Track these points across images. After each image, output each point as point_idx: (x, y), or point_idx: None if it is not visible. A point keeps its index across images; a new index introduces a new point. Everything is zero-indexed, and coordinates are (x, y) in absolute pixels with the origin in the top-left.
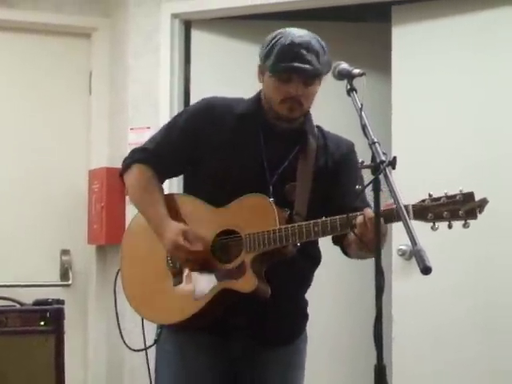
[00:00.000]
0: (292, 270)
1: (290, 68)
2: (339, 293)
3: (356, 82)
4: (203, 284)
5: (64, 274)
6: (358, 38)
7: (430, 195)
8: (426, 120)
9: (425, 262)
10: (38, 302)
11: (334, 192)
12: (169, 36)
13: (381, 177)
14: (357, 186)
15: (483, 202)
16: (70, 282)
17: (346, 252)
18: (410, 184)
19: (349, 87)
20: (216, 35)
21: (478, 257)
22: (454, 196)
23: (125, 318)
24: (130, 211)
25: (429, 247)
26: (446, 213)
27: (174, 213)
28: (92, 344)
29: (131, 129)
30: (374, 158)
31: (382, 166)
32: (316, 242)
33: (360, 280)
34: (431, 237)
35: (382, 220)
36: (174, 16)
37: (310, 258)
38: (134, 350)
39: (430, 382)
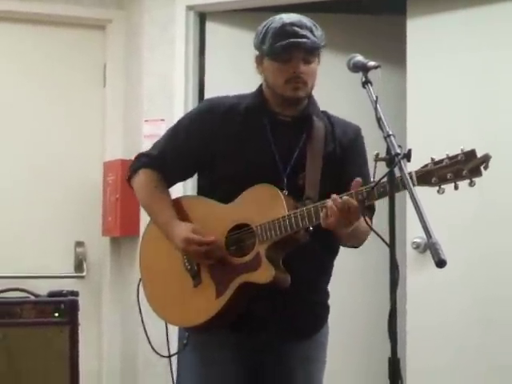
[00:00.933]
0: (311, 260)
1: (287, 45)
2: (353, 286)
3: (371, 75)
4: (222, 281)
5: (78, 266)
6: (373, 30)
7: (432, 159)
8: (441, 113)
9: (440, 255)
10: (52, 294)
11: (343, 177)
12: (184, 28)
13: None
14: (372, 179)
15: (486, 158)
16: (84, 273)
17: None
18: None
19: (364, 79)
20: (231, 27)
21: (493, 249)
22: (456, 156)
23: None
24: None
25: (442, 240)
26: (449, 174)
27: (184, 216)
28: (106, 335)
29: (146, 121)
30: (388, 151)
31: (397, 159)
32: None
33: (374, 273)
34: (443, 229)
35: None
36: (189, 8)
37: (328, 247)
38: (162, 356)
39: (443, 375)
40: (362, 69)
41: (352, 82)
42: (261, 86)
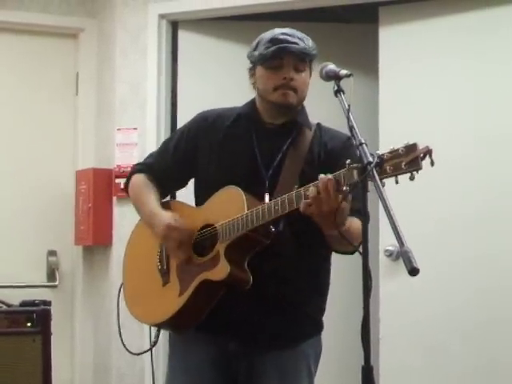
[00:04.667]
0: (290, 264)
1: (277, 49)
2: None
3: (343, 83)
4: (186, 280)
5: (51, 275)
6: (345, 39)
7: (376, 154)
8: (413, 120)
9: (412, 263)
10: (24, 303)
11: None
12: (156, 36)
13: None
14: (344, 188)
15: (426, 151)
16: (56, 282)
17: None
18: (398, 184)
19: (336, 88)
20: (203, 36)
21: (466, 257)
22: (397, 150)
23: (113, 319)
24: (117, 212)
25: (414, 247)
26: (389, 167)
27: None
28: (79, 345)
29: (118, 129)
30: (361, 159)
31: (369, 167)
32: (320, 238)
33: (347, 281)
34: (417, 237)
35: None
36: (161, 16)
37: (309, 249)
38: (132, 353)
39: (416, 382)
40: (335, 77)
41: (324, 90)
42: (254, 98)
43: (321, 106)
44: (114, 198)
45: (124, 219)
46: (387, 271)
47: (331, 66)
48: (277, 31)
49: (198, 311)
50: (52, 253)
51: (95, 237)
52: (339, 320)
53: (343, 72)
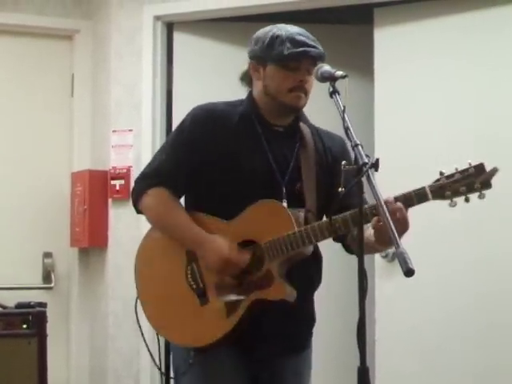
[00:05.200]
0: (303, 272)
1: (302, 52)
2: (322, 295)
3: (338, 85)
4: (232, 299)
5: (46, 277)
6: (341, 40)
7: (441, 173)
8: (408, 122)
9: (408, 264)
10: (20, 305)
11: (336, 187)
12: (151, 38)
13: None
14: (339, 189)
15: (494, 171)
16: (52, 284)
17: (348, 248)
18: (393, 186)
19: (331, 89)
20: (198, 37)
21: (461, 259)
22: (467, 170)
23: (109, 321)
24: (113, 214)
25: (410, 249)
26: (462, 188)
27: None
28: (74, 347)
29: (114, 131)
30: (356, 161)
31: (364, 168)
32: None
33: (343, 282)
34: (413, 238)
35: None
36: (157, 18)
37: (315, 255)
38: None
39: (412, 383)
40: (330, 78)
41: (319, 91)
42: (250, 93)
43: (314, 107)
44: (110, 200)
45: (119, 221)
46: (383, 272)
47: (326, 67)
48: (292, 30)
49: (240, 330)
50: (48, 255)
51: (91, 239)
52: (335, 321)
53: (338, 73)
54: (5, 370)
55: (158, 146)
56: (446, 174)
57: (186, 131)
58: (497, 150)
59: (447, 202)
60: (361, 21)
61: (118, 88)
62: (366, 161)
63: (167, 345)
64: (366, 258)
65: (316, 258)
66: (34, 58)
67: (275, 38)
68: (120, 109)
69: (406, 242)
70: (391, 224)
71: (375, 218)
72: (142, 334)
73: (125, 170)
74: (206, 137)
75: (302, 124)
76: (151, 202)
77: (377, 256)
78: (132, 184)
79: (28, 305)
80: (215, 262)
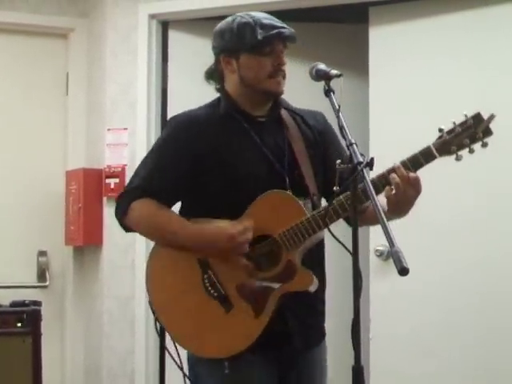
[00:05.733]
0: (314, 261)
1: (276, 35)
2: None
3: (333, 84)
4: (257, 299)
5: (41, 276)
6: (336, 39)
7: (440, 130)
8: (403, 121)
9: (402, 263)
10: (14, 304)
11: (327, 162)
12: (146, 36)
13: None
14: (334, 188)
15: (491, 118)
16: (47, 283)
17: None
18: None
19: (326, 88)
20: (193, 36)
21: (457, 258)
22: (465, 122)
23: (103, 320)
24: (108, 212)
25: (404, 249)
26: (466, 140)
27: None
28: (69, 345)
29: (108, 129)
30: (351, 159)
31: (359, 168)
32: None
33: (338, 281)
34: (408, 238)
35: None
36: (152, 16)
37: (321, 244)
38: None
39: (407, 382)
40: (325, 77)
41: (315, 90)
42: (223, 89)
43: (309, 106)
44: (105, 198)
45: (114, 219)
46: (378, 271)
47: (321, 66)
48: (258, 15)
49: (272, 327)
50: (42, 253)
51: (85, 237)
52: (330, 320)
53: (333, 72)
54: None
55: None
56: (446, 130)
57: (170, 140)
58: (498, 148)
59: (453, 157)
60: (356, 20)
61: (113, 86)
62: (361, 160)
63: (161, 346)
64: (361, 256)
65: (319, 243)
66: (29, 56)
67: (244, 26)
68: (115, 107)
69: (403, 241)
70: (384, 218)
71: (387, 188)
72: (167, 350)
73: (120, 169)
74: (193, 142)
75: (281, 106)
76: (137, 214)
77: (371, 255)
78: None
79: (23, 303)
80: (224, 245)
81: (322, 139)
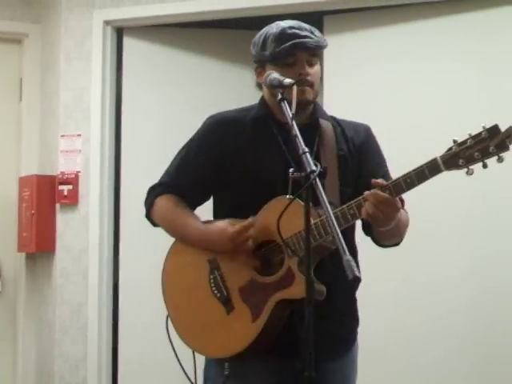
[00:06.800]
0: (340, 268)
1: (291, 46)
2: None
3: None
4: (256, 303)
5: None
6: None
7: (454, 141)
8: None
9: (354, 272)
10: None
11: (361, 177)
12: (101, 43)
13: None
14: (287, 196)
15: (510, 131)
16: None
17: (377, 241)
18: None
19: (280, 97)
20: (148, 42)
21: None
22: (479, 134)
23: (56, 327)
24: (60, 219)
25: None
26: (476, 153)
27: None
28: (21, 352)
29: (62, 136)
30: (304, 168)
31: (312, 176)
32: (352, 236)
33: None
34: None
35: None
36: (106, 23)
37: (351, 251)
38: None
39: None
40: (278, 86)
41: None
42: (262, 98)
43: None
44: (58, 205)
45: (67, 226)
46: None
47: (275, 75)
48: (283, 25)
49: (272, 334)
50: None
51: (38, 244)
52: None
53: (287, 81)
54: None
55: (106, 151)
56: (458, 142)
57: (199, 138)
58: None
59: (463, 171)
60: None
61: (66, 93)
62: (314, 168)
63: (114, 350)
64: None
65: (352, 253)
66: None
67: (267, 38)
68: (69, 113)
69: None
70: (339, 233)
71: (363, 210)
72: (175, 352)
73: (73, 175)
74: (220, 143)
75: (321, 120)
76: (158, 212)
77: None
78: (80, 189)
79: None
80: (225, 244)
81: (358, 152)
